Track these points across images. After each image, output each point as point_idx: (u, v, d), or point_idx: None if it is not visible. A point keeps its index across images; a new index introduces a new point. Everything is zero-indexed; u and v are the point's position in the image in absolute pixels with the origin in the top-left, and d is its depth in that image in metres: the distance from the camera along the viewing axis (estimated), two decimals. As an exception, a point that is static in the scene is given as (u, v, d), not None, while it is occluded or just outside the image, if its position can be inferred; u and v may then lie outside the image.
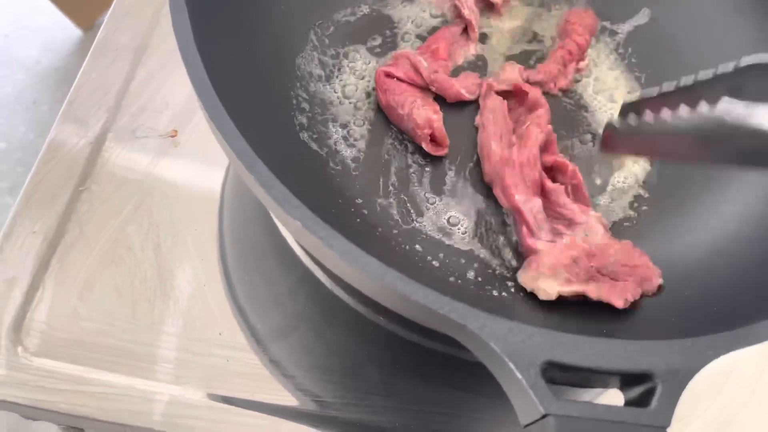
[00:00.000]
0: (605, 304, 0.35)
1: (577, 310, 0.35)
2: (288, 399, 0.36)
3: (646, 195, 0.40)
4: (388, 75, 0.40)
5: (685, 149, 0.29)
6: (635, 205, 0.40)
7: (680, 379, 0.23)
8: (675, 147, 0.29)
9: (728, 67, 0.26)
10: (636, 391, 0.24)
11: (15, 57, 1.39)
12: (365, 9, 0.44)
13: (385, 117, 0.40)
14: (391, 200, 0.38)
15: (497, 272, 0.36)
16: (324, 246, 0.24)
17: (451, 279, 0.36)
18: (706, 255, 0.36)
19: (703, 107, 0.27)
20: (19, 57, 1.39)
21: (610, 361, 0.23)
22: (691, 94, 0.27)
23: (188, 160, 0.43)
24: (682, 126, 0.28)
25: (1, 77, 1.36)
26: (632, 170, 0.41)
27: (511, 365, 0.23)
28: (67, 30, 1.41)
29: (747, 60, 0.26)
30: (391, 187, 0.38)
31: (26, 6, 1.44)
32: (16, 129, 1.30)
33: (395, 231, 0.37)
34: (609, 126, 0.33)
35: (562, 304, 0.36)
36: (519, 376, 0.23)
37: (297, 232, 0.25)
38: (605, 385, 0.25)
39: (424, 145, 0.39)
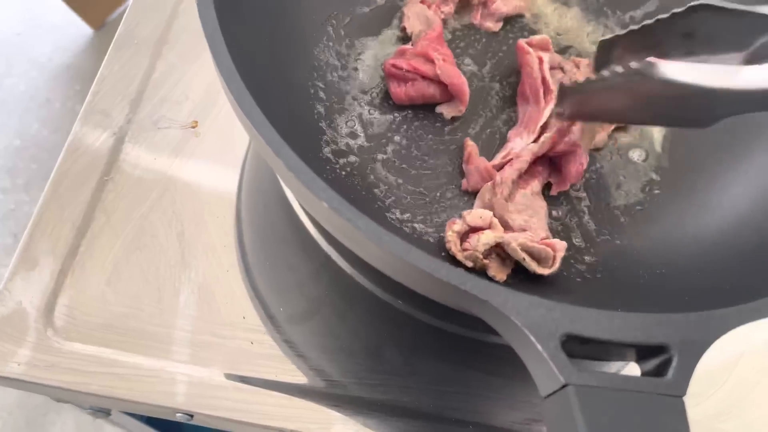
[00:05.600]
0: (619, 285, 0.36)
1: (587, 293, 0.36)
2: (312, 380, 0.37)
3: (658, 179, 0.41)
4: (396, 67, 0.40)
5: (619, 107, 0.33)
6: (647, 189, 0.41)
7: (696, 351, 0.24)
8: (612, 105, 0.33)
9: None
10: (653, 363, 0.25)
11: (28, 55, 1.41)
12: (381, 0, 0.45)
13: (399, 107, 0.41)
14: (410, 187, 0.39)
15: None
16: (351, 226, 0.25)
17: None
18: (719, 236, 0.37)
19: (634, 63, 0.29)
20: (31, 55, 1.41)
21: (628, 333, 0.24)
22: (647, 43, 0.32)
23: (209, 149, 0.44)
24: (615, 81, 0.30)
25: (15, 75, 1.38)
26: (646, 147, 0.42)
27: (532, 338, 0.24)
28: (79, 28, 1.42)
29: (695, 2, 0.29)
30: (404, 173, 0.39)
31: (38, 5, 1.46)
32: (30, 126, 1.32)
33: (407, 215, 0.38)
34: (561, 88, 0.36)
35: (570, 286, 0.37)
36: (539, 348, 0.24)
37: (323, 213, 0.26)
38: (622, 358, 0.26)
39: (443, 108, 0.40)
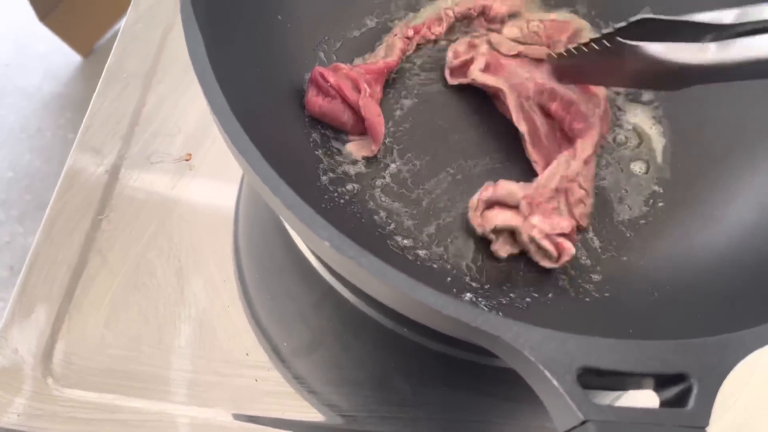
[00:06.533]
0: (629, 303, 0.35)
1: (597, 314, 0.35)
2: (321, 415, 0.36)
3: (661, 191, 0.40)
4: (323, 77, 0.39)
5: (602, 74, 0.37)
6: (650, 202, 0.40)
7: (716, 378, 0.24)
8: (597, 72, 0.37)
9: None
10: (672, 392, 0.24)
11: (17, 85, 1.40)
12: (371, 23, 0.45)
13: (394, 133, 0.41)
14: (410, 212, 0.38)
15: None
16: (354, 264, 0.24)
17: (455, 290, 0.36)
18: (728, 249, 0.36)
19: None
20: (21, 85, 1.40)
21: (646, 363, 0.23)
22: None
23: (204, 182, 0.43)
24: (602, 53, 0.35)
25: (5, 106, 1.37)
26: (647, 159, 0.41)
27: (548, 373, 0.23)
28: (67, 56, 1.42)
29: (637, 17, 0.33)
30: (403, 199, 0.38)
31: (26, 34, 1.45)
32: (21, 157, 1.31)
33: (409, 241, 0.37)
34: (549, 58, 0.41)
35: (579, 307, 0.36)
36: (556, 383, 0.23)
37: (325, 251, 0.25)
38: (640, 387, 0.25)
39: (353, 147, 0.40)
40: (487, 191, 0.37)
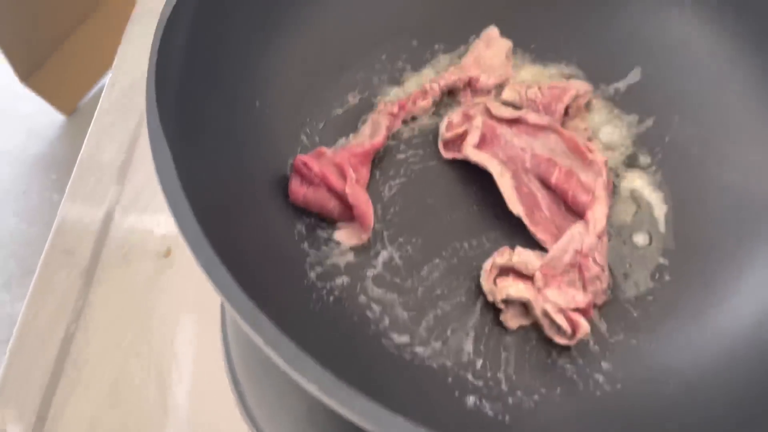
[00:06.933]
0: (644, 397, 0.33)
1: (612, 413, 0.33)
2: None
3: (667, 264, 0.38)
4: (306, 166, 0.37)
5: None
6: (657, 276, 0.38)
7: None
8: None
9: None
10: None
11: (1, 148, 1.38)
12: (354, 100, 0.43)
13: (383, 216, 0.39)
14: (406, 302, 0.36)
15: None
16: (346, 410, 0.22)
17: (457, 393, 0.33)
18: (743, 329, 0.34)
19: None
20: (5, 147, 1.38)
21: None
22: None
23: (185, 279, 0.41)
24: None
25: (-12, 169, 1.35)
26: (649, 230, 0.39)
27: None
28: (51, 115, 1.41)
29: None
30: (397, 288, 0.36)
31: (7, 95, 1.44)
32: (7, 221, 1.29)
33: (405, 338, 0.35)
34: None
35: (592, 404, 0.33)
36: None
37: (314, 393, 0.23)
38: None
39: (342, 236, 0.37)
40: (502, 257, 0.36)
